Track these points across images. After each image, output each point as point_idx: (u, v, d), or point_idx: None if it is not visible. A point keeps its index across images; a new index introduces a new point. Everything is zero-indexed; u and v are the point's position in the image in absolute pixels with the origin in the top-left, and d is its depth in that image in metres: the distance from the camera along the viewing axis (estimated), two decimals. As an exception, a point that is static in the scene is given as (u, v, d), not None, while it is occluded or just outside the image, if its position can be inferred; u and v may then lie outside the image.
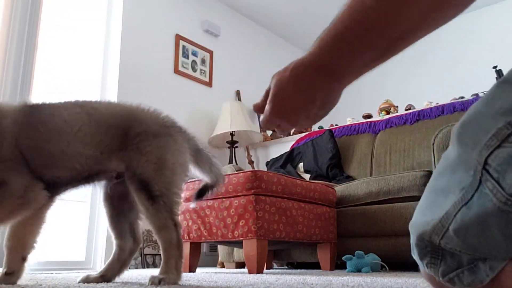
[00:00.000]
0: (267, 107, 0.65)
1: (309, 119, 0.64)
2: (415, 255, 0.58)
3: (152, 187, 1.25)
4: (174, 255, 1.25)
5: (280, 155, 3.86)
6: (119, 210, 1.40)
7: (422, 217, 0.57)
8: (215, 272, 2.37)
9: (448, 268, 0.53)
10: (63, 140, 1.24)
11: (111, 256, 1.41)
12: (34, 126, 1.23)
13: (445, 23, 0.56)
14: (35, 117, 1.24)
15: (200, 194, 1.50)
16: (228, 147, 4.18)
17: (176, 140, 1.37)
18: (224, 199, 2.26)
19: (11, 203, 1.16)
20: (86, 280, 1.36)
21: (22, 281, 1.27)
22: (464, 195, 0.49)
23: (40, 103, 1.30)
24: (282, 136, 4.50)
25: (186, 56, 4.22)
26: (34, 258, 2.84)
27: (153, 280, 1.20)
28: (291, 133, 4.49)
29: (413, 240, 0.57)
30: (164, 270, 1.23)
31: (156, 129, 1.34)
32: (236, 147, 4.25)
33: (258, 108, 0.68)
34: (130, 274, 1.99)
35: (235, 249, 2.90)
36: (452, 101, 3.45)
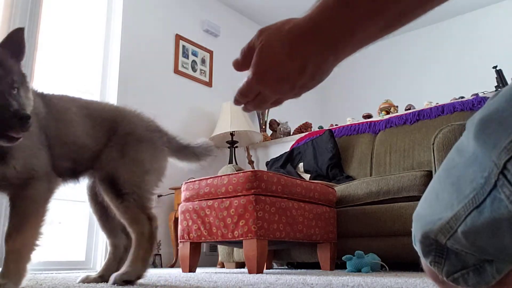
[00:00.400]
0: (250, 70, 0.57)
1: (294, 89, 0.57)
2: (417, 247, 0.56)
3: (121, 185, 1.27)
4: (143, 247, 1.27)
5: (280, 155, 3.86)
6: (106, 208, 1.40)
7: (428, 210, 0.54)
8: (215, 272, 2.37)
9: (453, 268, 0.51)
10: (75, 131, 1.27)
11: (107, 256, 1.42)
12: (55, 117, 1.25)
13: None
14: (54, 107, 1.27)
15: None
16: (228, 147, 4.18)
17: (156, 146, 1.42)
18: (224, 199, 2.26)
19: (50, 194, 1.18)
20: (86, 280, 1.37)
21: (22, 281, 1.27)
22: (476, 197, 0.47)
23: (47, 93, 1.32)
24: (282, 136, 4.50)
25: (186, 56, 4.22)
26: (35, 258, 2.83)
27: (116, 279, 1.22)
28: (291, 133, 4.49)
29: (417, 236, 0.55)
30: (130, 261, 1.26)
31: (140, 133, 1.39)
32: (236, 147, 4.25)
33: (238, 66, 0.59)
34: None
35: (235, 249, 2.90)
36: (452, 101, 3.45)
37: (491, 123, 0.46)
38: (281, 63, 0.55)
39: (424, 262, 0.57)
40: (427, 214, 0.54)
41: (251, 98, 0.59)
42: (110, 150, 1.32)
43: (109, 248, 1.43)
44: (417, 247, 0.56)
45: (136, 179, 1.32)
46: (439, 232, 0.50)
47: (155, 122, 1.49)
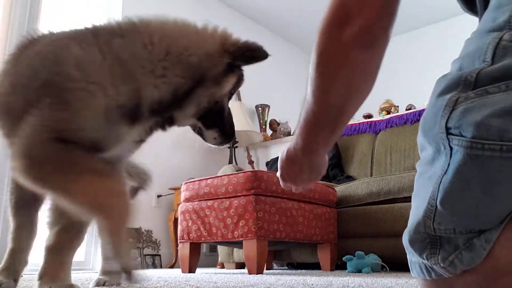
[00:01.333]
0: (278, 176, 0.92)
1: (305, 181, 0.90)
2: (413, 251, 0.61)
3: None
4: None
5: (280, 155, 3.85)
6: None
7: (412, 214, 0.61)
8: (215, 273, 2.36)
9: (447, 253, 0.56)
10: None
11: None
12: None
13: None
14: None
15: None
16: (228, 147, 4.18)
17: None
18: (224, 199, 2.25)
19: None
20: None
21: (22, 281, 1.26)
22: (443, 168, 0.55)
23: None
24: (282, 136, 4.50)
25: (186, 56, 4.21)
26: (35, 259, 2.82)
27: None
28: (291, 133, 4.48)
29: (409, 238, 0.60)
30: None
31: None
32: (236, 147, 4.25)
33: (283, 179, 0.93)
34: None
35: (235, 249, 2.89)
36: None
37: (426, 115, 0.61)
38: (289, 170, 0.88)
39: (421, 275, 0.62)
40: (413, 216, 0.61)
41: (289, 188, 0.95)
42: None
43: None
44: (411, 251, 0.61)
45: None
46: (425, 218, 0.57)
47: None
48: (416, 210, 0.60)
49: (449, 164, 0.55)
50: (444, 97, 0.58)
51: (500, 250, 0.53)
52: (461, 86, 0.57)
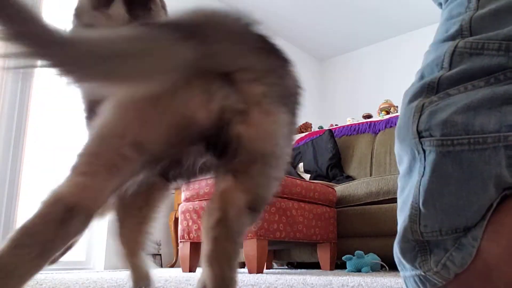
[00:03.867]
0: None
1: None
2: (404, 262, 0.62)
3: None
4: None
5: (280, 155, 3.86)
6: None
7: (399, 225, 0.65)
8: (215, 272, 2.36)
9: (438, 256, 0.57)
10: None
11: None
12: None
13: None
14: None
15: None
16: (228, 147, 4.18)
17: None
18: (224, 199, 2.26)
19: None
20: None
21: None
22: (419, 172, 0.58)
23: None
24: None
25: (186, 56, 4.22)
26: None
27: None
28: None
29: (399, 249, 0.62)
30: None
31: None
32: (236, 147, 4.25)
33: None
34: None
35: (235, 249, 2.90)
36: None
37: (399, 123, 0.64)
38: None
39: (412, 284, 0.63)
40: (399, 227, 0.64)
41: None
42: None
43: None
44: (404, 264, 0.63)
45: None
46: (411, 223, 0.60)
47: None
48: (402, 221, 0.63)
49: (425, 167, 0.57)
50: (412, 104, 0.62)
51: (488, 244, 0.54)
52: (425, 93, 0.62)
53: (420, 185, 0.58)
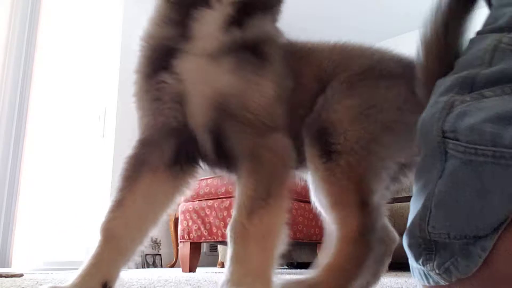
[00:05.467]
0: None
1: None
2: (411, 257, 0.60)
3: (332, 138, 0.79)
4: (344, 251, 0.77)
5: (280, 155, 3.86)
6: None
7: (410, 216, 0.60)
8: (215, 272, 2.36)
9: (443, 259, 0.55)
10: None
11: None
12: None
13: None
14: None
15: None
16: (228, 147, 4.18)
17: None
18: (224, 199, 2.26)
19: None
20: None
21: (23, 281, 1.27)
22: (438, 172, 0.55)
23: None
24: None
25: (186, 56, 4.22)
26: (35, 259, 2.82)
27: None
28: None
29: (407, 242, 0.60)
30: (321, 269, 0.77)
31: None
32: (236, 147, 4.25)
33: None
34: (130, 275, 1.99)
35: (235, 249, 2.90)
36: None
37: (424, 117, 0.59)
38: None
39: (422, 282, 0.61)
40: (410, 220, 0.60)
41: None
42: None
43: None
44: (409, 254, 0.61)
45: (361, 132, 0.80)
46: (420, 221, 0.56)
47: None
48: (413, 214, 0.59)
49: (444, 168, 0.54)
50: (442, 98, 0.58)
51: (498, 259, 0.51)
52: (458, 87, 0.57)
53: (436, 185, 0.55)
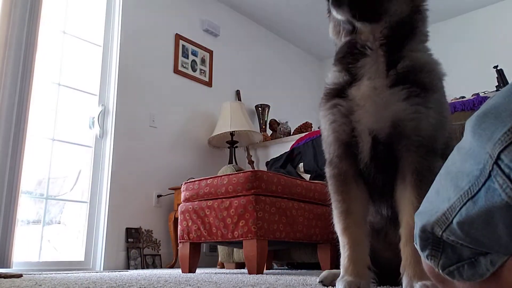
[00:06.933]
0: None
1: None
2: (416, 244, 0.59)
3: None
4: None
5: (280, 155, 3.85)
6: None
7: (429, 206, 0.56)
8: (215, 273, 2.36)
9: (449, 261, 0.53)
10: None
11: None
12: None
13: None
14: None
15: None
16: (228, 147, 4.18)
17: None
18: (224, 199, 2.25)
19: None
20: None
21: (22, 281, 1.26)
22: (471, 188, 0.49)
23: None
24: (282, 136, 4.50)
25: (186, 55, 4.21)
26: (35, 259, 2.82)
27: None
28: (291, 133, 4.49)
29: (416, 231, 0.57)
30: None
31: None
32: (236, 147, 4.25)
33: None
34: (130, 275, 1.99)
35: (235, 249, 2.90)
36: (453, 101, 3.44)
37: (487, 118, 0.49)
38: None
39: (424, 260, 0.58)
40: (427, 210, 0.56)
41: None
42: None
43: None
44: (416, 242, 0.58)
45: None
46: (435, 224, 0.52)
47: None
48: (430, 210, 0.55)
49: (479, 191, 0.47)
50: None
51: (508, 274, 0.49)
52: None
53: (464, 204, 0.49)
